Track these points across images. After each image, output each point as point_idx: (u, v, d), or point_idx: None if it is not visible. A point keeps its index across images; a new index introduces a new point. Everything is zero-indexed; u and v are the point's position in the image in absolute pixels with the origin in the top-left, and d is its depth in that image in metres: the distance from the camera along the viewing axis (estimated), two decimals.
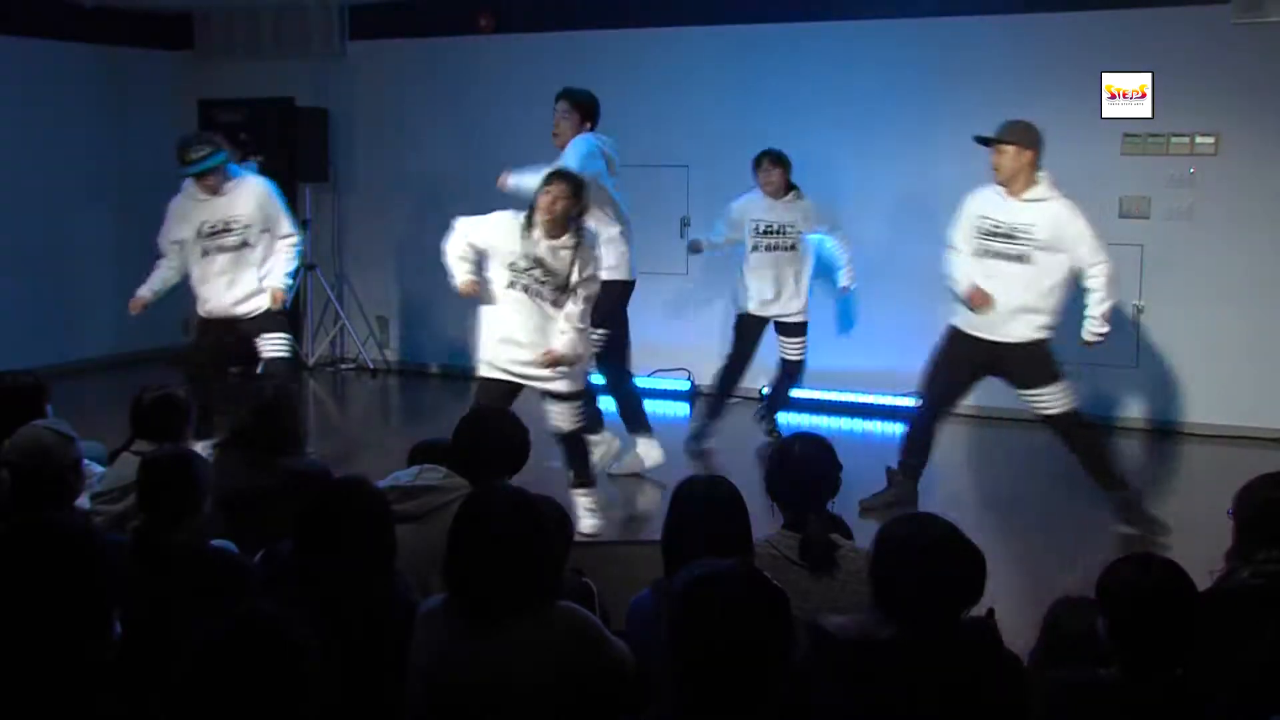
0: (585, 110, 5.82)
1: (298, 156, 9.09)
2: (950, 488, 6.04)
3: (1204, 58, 6.98)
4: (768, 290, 6.60)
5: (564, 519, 3.13)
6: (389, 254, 9.21)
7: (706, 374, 8.29)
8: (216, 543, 3.21)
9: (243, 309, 5.85)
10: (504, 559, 2.51)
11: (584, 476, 5.17)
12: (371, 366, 9.28)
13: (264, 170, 9.37)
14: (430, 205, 9.03)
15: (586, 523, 5.05)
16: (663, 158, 8.26)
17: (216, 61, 9.58)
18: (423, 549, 3.02)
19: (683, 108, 8.27)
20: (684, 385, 8.34)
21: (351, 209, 9.35)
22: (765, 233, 6.65)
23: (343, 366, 8.96)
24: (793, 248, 6.60)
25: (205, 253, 5.85)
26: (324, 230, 9.37)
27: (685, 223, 8.34)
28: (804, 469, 3.16)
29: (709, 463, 6.49)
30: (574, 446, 5.17)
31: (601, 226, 5.42)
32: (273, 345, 5.84)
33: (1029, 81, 7.27)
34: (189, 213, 5.87)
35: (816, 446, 3.23)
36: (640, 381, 8.31)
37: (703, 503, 2.90)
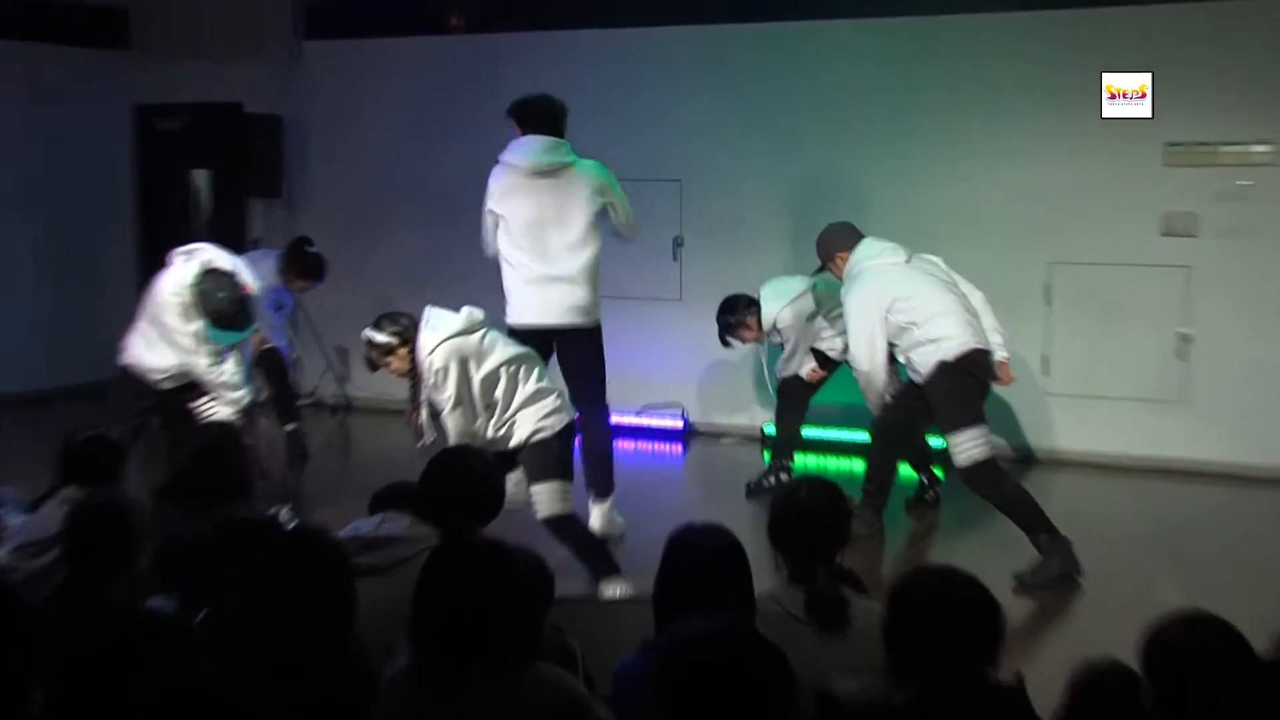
0: (517, 117, 5.87)
1: (247, 169, 9.16)
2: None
3: (1260, 59, 7.09)
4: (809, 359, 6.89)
5: (544, 573, 3.14)
6: (349, 277, 9.19)
7: (702, 409, 8.37)
8: (154, 601, 3.21)
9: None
10: (476, 617, 2.53)
11: (603, 566, 5.06)
12: (330, 403, 9.31)
13: (213, 187, 9.49)
14: (397, 223, 9.10)
15: (616, 589, 5.01)
16: (652, 170, 8.34)
17: (155, 62, 9.62)
18: (386, 606, 3.03)
19: (676, 116, 8.35)
20: (677, 422, 8.37)
21: (307, 227, 9.35)
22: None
23: (299, 403, 8.97)
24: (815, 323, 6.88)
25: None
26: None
27: (679, 243, 8.39)
28: (811, 517, 3.19)
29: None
30: (569, 534, 5.05)
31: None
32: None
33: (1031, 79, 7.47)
34: None
35: (825, 492, 3.25)
36: (628, 420, 8.46)
37: (698, 554, 2.92)
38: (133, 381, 5.75)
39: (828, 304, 6.56)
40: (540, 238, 5.77)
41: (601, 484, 5.90)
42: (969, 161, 7.68)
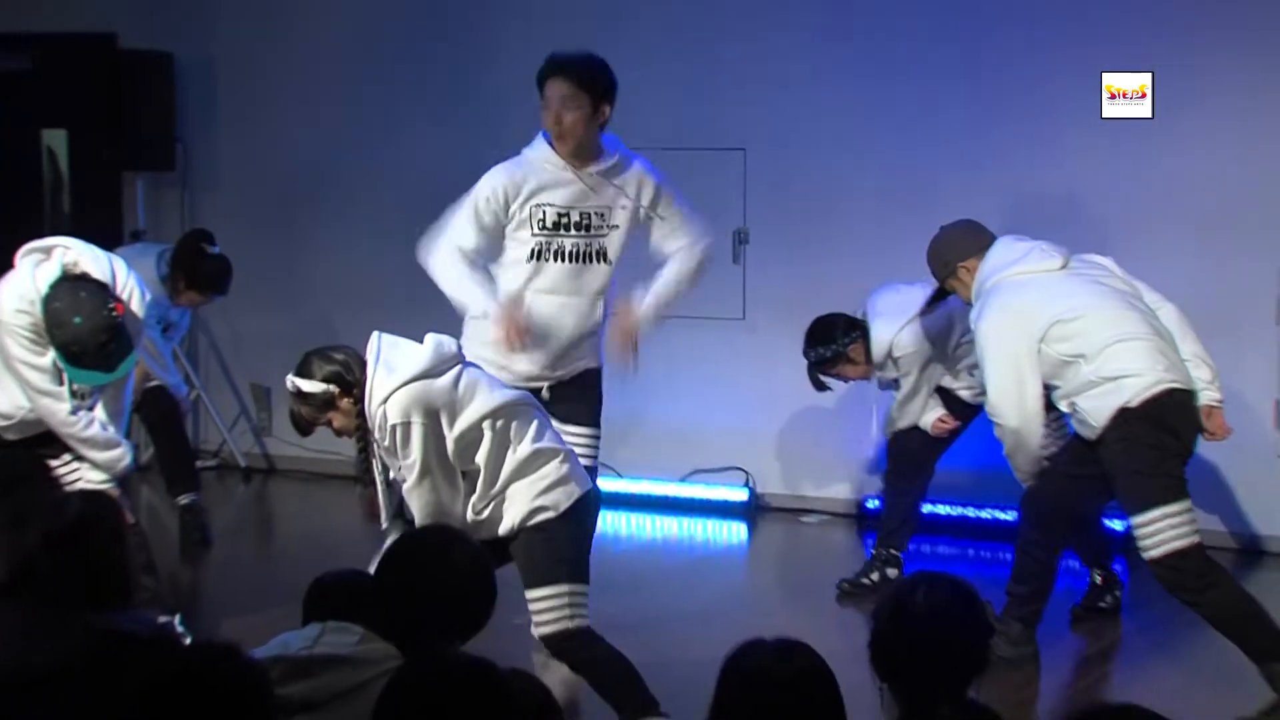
0: (606, 92, 5.89)
1: (123, 130, 9.24)
2: None
3: None
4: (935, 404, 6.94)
5: (547, 706, 3.17)
6: (269, 287, 9.30)
7: (775, 475, 8.39)
8: None
9: None
10: None
11: (634, 701, 5.04)
12: (244, 464, 9.37)
13: (72, 155, 9.56)
14: (337, 213, 9.15)
15: None
16: (705, 135, 8.38)
17: None
18: None
19: (740, 61, 8.40)
20: (740, 493, 8.40)
21: (210, 212, 9.44)
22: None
23: (198, 465, 9.06)
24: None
25: None
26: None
27: (741, 237, 8.44)
28: (933, 631, 3.20)
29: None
30: (583, 658, 5.06)
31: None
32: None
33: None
34: None
35: (953, 596, 3.27)
36: (667, 489, 8.50)
37: (768, 683, 2.93)
38: None
39: (964, 324, 6.55)
40: None
41: None
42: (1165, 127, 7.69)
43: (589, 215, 5.86)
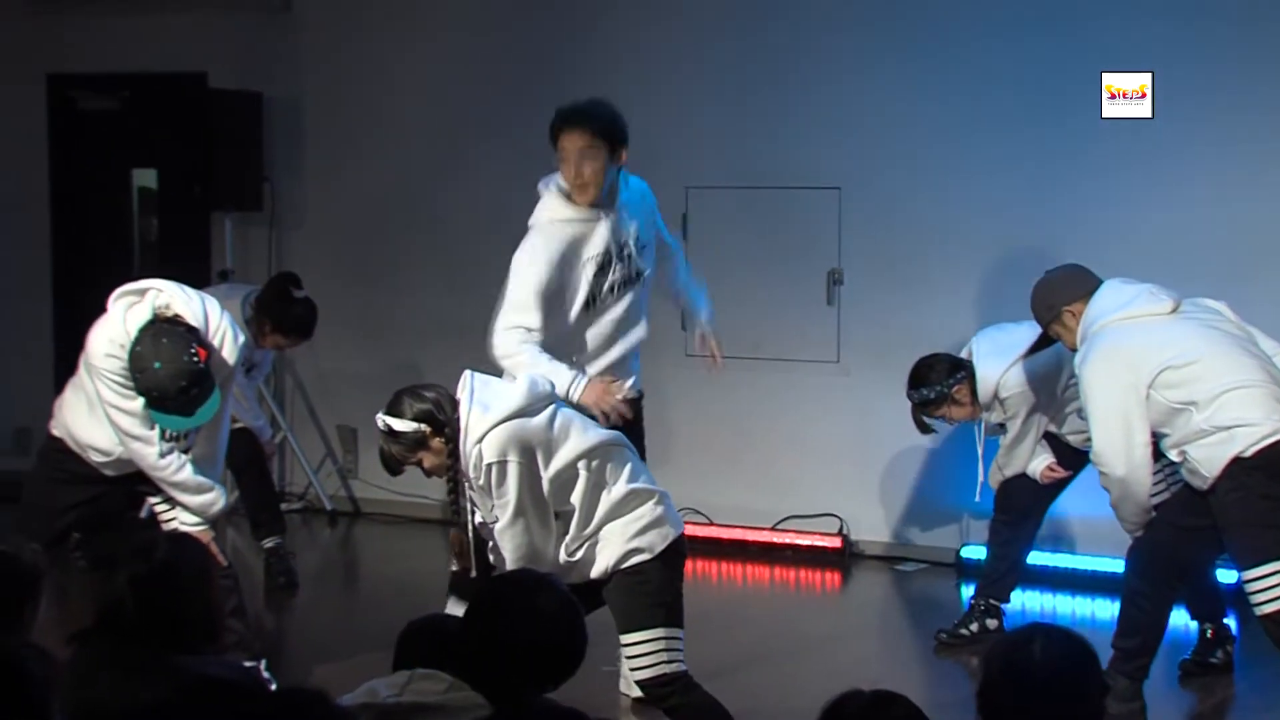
0: (622, 137, 5.96)
1: (214, 169, 9.31)
2: None
3: None
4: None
5: None
6: (358, 323, 9.36)
7: (870, 522, 8.33)
8: None
9: None
10: None
11: None
12: (329, 507, 9.39)
13: (162, 193, 9.65)
14: (425, 251, 9.18)
15: None
16: (799, 174, 8.35)
17: (77, 15, 9.80)
18: None
19: (834, 96, 8.37)
20: (834, 539, 8.35)
21: (297, 251, 9.53)
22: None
23: (284, 507, 9.09)
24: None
25: None
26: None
27: (836, 278, 8.40)
28: (1045, 686, 3.15)
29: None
30: (680, 706, 5.00)
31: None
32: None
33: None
34: None
35: (1066, 649, 3.21)
36: (765, 533, 8.42)
37: None
38: (66, 461, 5.84)
39: (1072, 366, 6.47)
40: None
41: None
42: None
43: (625, 245, 5.93)
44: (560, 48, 8.83)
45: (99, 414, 5.62)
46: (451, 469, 4.93)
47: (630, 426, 5.96)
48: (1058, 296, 6.02)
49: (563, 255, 5.83)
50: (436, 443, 4.92)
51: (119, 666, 3.81)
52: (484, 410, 4.88)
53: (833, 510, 8.38)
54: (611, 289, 5.93)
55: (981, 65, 8.13)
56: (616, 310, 5.96)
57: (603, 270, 5.88)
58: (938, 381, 6.79)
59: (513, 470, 4.84)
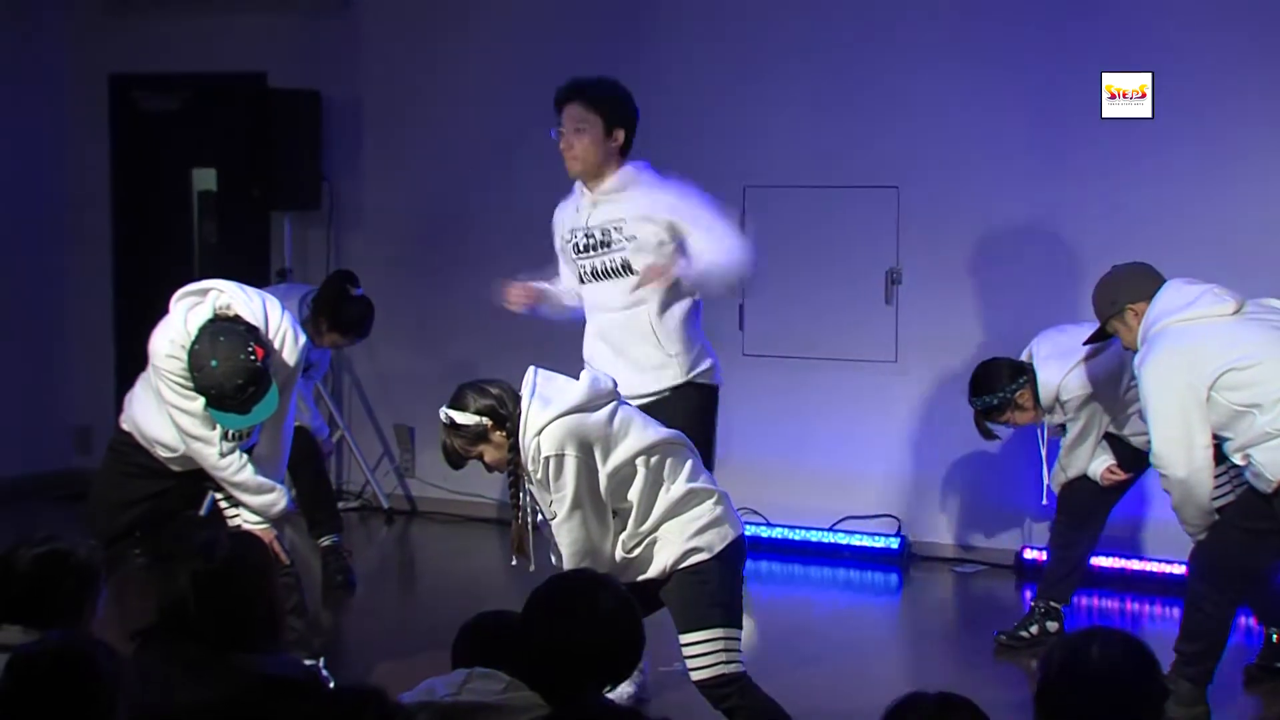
0: (620, 116, 6.00)
1: (272, 169, 9.36)
2: None
3: None
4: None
5: None
6: (416, 322, 9.41)
7: (928, 523, 8.32)
8: None
9: None
10: None
11: None
12: (387, 506, 9.43)
13: (221, 193, 9.70)
14: (485, 250, 9.19)
15: None
16: (856, 173, 8.35)
17: (137, 17, 9.89)
18: None
19: (896, 88, 8.37)
20: (891, 542, 8.34)
21: (354, 250, 9.57)
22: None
23: (341, 505, 9.14)
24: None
25: None
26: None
27: (894, 277, 8.39)
28: (1105, 689, 3.14)
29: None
30: (738, 705, 4.98)
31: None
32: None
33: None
34: None
35: (1126, 653, 3.20)
36: (816, 536, 8.42)
37: None
38: (135, 455, 5.89)
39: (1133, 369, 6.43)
40: None
41: None
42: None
43: (607, 231, 5.99)
44: (615, 50, 8.80)
45: (165, 411, 5.68)
46: (512, 463, 4.96)
47: (701, 417, 6.01)
48: (1123, 293, 6.00)
49: (559, 219, 6.18)
50: (498, 436, 4.95)
51: (180, 664, 3.84)
52: (544, 404, 4.90)
53: (891, 511, 8.38)
54: (594, 273, 6.05)
55: (1042, 63, 8.12)
56: (598, 295, 6.07)
57: (580, 251, 6.05)
58: (1000, 388, 6.75)
59: (570, 464, 4.86)
